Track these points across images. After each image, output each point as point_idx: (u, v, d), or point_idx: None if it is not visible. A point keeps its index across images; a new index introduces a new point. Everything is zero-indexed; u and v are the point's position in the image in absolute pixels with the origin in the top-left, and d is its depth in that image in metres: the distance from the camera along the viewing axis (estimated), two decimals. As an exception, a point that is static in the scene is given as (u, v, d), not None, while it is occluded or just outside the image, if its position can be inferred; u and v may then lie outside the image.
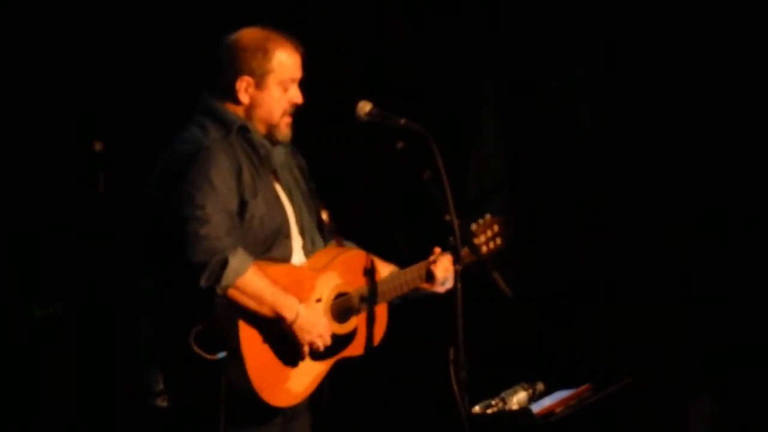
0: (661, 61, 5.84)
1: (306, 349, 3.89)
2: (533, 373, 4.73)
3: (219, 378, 3.76)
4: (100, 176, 5.73)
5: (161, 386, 3.89)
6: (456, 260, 3.84)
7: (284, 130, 4.03)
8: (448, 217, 3.83)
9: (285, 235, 3.98)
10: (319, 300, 3.97)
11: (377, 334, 4.09)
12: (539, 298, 5.88)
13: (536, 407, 4.53)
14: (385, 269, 4.18)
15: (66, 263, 5.65)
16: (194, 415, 3.85)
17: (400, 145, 3.96)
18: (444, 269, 4.17)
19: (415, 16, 6.14)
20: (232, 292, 3.77)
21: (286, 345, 3.87)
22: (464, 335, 3.74)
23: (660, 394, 5.62)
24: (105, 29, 5.66)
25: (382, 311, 4.11)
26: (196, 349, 3.73)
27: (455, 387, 3.73)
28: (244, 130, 3.96)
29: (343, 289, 4.02)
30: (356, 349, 4.04)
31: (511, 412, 4.53)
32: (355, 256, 4.09)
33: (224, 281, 3.74)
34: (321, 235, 4.14)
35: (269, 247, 3.93)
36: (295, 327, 3.84)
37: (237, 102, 3.99)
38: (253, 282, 3.79)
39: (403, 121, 3.96)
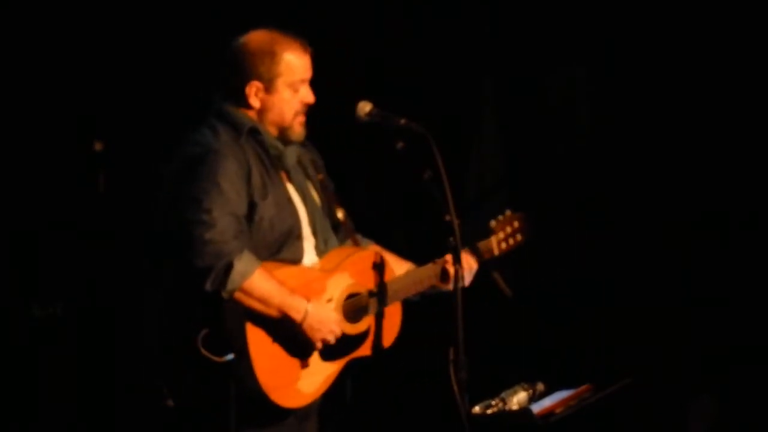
0: (661, 61, 5.84)
1: (319, 346, 3.88)
2: (533, 373, 4.73)
3: (228, 380, 3.77)
4: (100, 176, 5.73)
5: (170, 387, 3.89)
6: (456, 260, 3.84)
7: (298, 130, 4.04)
8: (448, 217, 3.83)
9: (296, 236, 3.98)
10: (329, 300, 3.97)
11: (390, 334, 4.09)
12: (539, 298, 5.88)
13: (536, 407, 4.52)
14: (401, 267, 4.17)
15: (66, 263, 5.65)
16: (204, 416, 3.85)
17: (400, 145, 3.96)
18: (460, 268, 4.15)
19: (415, 16, 6.14)
20: (239, 295, 3.77)
21: (296, 346, 3.87)
22: (464, 335, 3.74)
23: (660, 394, 5.62)
24: (105, 29, 5.65)
25: (395, 311, 4.10)
26: (203, 351, 3.74)
27: (455, 387, 3.73)
28: (254, 132, 3.97)
29: (355, 290, 4.01)
30: (369, 349, 4.04)
31: (511, 413, 4.53)
32: (367, 256, 4.08)
33: (229, 285, 3.74)
34: (336, 234, 4.14)
35: (280, 248, 3.93)
36: (305, 327, 3.84)
37: (248, 106, 4.00)
38: (259, 284, 3.78)
39: (403, 121, 3.96)
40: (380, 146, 4.16)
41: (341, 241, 4.15)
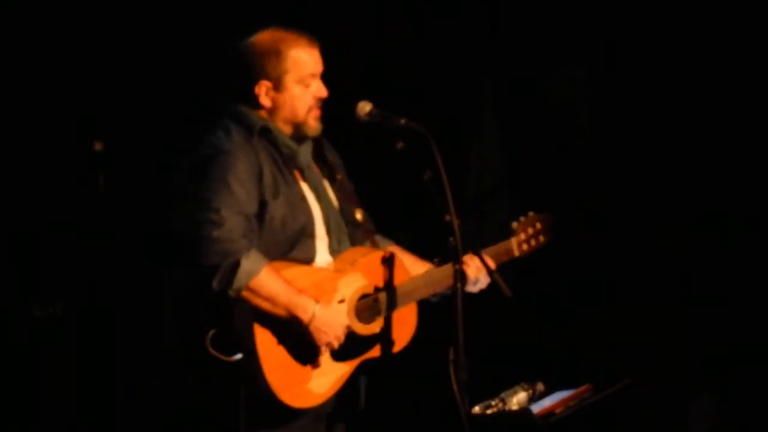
0: (661, 61, 5.84)
1: (323, 349, 3.88)
2: (533, 373, 4.73)
3: (237, 380, 3.77)
4: (100, 176, 5.73)
5: (179, 388, 3.90)
6: (456, 261, 3.83)
7: (313, 125, 4.04)
8: (448, 217, 3.82)
9: (309, 235, 3.98)
10: (342, 301, 3.96)
11: (405, 335, 4.07)
12: (539, 298, 5.87)
13: (536, 407, 4.52)
14: (420, 268, 4.15)
15: (66, 263, 5.65)
16: (213, 416, 3.86)
17: (400, 145, 3.96)
18: (476, 269, 4.14)
19: (415, 16, 6.13)
20: (246, 294, 3.77)
21: (305, 346, 3.87)
22: (464, 335, 3.74)
23: (660, 394, 5.62)
24: (105, 29, 5.65)
25: (410, 312, 4.08)
26: (212, 351, 3.75)
27: (455, 387, 3.73)
28: (266, 132, 3.97)
29: (368, 290, 4.00)
30: (382, 350, 4.02)
31: (511, 413, 4.52)
32: (382, 257, 4.06)
33: (236, 284, 3.75)
34: (353, 234, 4.13)
35: (291, 247, 3.94)
36: (312, 328, 3.84)
37: (260, 106, 4.01)
38: (266, 283, 3.79)
39: (403, 121, 3.96)
40: (380, 146, 4.16)
41: (359, 242, 4.13)
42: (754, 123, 5.70)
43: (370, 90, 4.13)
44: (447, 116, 6.09)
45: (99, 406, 5.62)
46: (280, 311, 3.81)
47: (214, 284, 3.74)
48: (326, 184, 4.12)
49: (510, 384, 4.64)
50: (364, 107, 4.03)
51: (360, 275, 4.00)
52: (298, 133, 4.04)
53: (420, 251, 4.27)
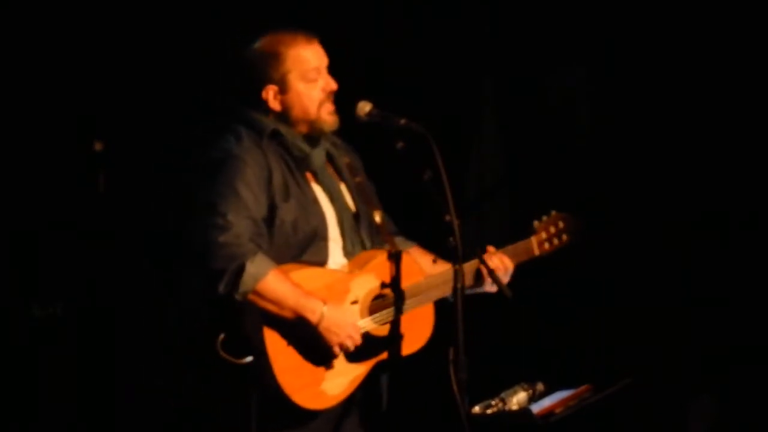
0: (661, 61, 5.84)
1: (336, 350, 3.87)
2: (533, 373, 4.73)
3: (248, 382, 3.77)
4: (100, 176, 5.72)
5: (186, 387, 3.91)
6: (456, 261, 3.82)
7: (328, 119, 4.04)
8: (448, 217, 3.82)
9: (321, 237, 3.97)
10: (355, 302, 3.95)
11: (421, 336, 4.05)
12: (539, 298, 5.87)
13: (536, 407, 4.52)
14: (436, 267, 4.12)
15: (66, 263, 5.65)
16: (225, 418, 3.86)
17: (400, 145, 3.95)
18: (494, 268, 4.12)
19: (415, 16, 6.13)
20: (252, 297, 3.77)
21: (317, 347, 3.85)
22: (464, 335, 3.74)
23: (660, 394, 5.62)
24: (105, 29, 5.65)
25: (426, 312, 4.06)
26: (222, 354, 3.75)
27: (455, 387, 3.72)
28: (276, 135, 3.98)
29: (381, 291, 3.99)
30: (398, 350, 3.99)
31: (511, 413, 4.52)
32: (387, 254, 4.02)
33: (242, 287, 3.75)
34: (371, 236, 4.11)
35: (303, 249, 3.93)
36: (321, 329, 3.82)
37: (271, 110, 4.02)
38: (273, 286, 3.78)
39: (403, 121, 3.95)
40: (380, 146, 4.16)
41: (378, 244, 4.11)
42: (754, 123, 5.70)
43: (370, 90, 4.13)
44: (447, 116, 6.09)
45: (99, 406, 5.62)
46: (287, 313, 3.80)
47: (221, 288, 3.75)
48: (342, 187, 4.11)
49: (510, 384, 4.64)
50: (364, 107, 4.03)
51: (373, 276, 3.99)
52: (315, 131, 4.04)
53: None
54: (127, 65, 5.69)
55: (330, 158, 4.12)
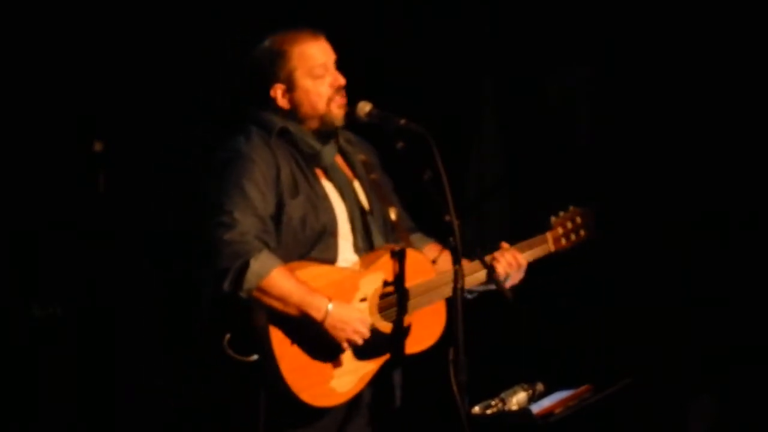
0: (662, 61, 5.84)
1: (345, 346, 3.86)
2: (533, 373, 4.72)
3: (256, 380, 3.78)
4: (100, 176, 5.73)
5: (200, 387, 3.92)
6: (455, 261, 3.82)
7: (338, 113, 4.03)
8: (448, 217, 3.82)
9: (330, 233, 3.97)
10: (363, 299, 3.94)
11: (431, 333, 4.03)
12: (539, 298, 5.87)
13: (536, 408, 4.52)
14: (448, 264, 4.11)
15: (66, 263, 5.65)
16: (234, 417, 3.86)
17: (400, 145, 3.95)
18: (507, 264, 4.10)
19: (415, 16, 6.14)
20: (257, 294, 3.78)
21: (323, 345, 3.84)
22: (464, 335, 3.73)
23: (660, 394, 5.62)
24: (105, 29, 5.65)
25: (438, 309, 4.03)
26: (229, 352, 3.75)
27: (455, 388, 3.72)
28: (285, 133, 3.98)
29: (390, 288, 3.98)
30: (408, 347, 3.98)
31: (511, 413, 4.52)
32: (408, 255, 4.00)
33: (246, 285, 3.75)
34: (386, 233, 4.10)
35: (312, 246, 3.93)
36: (327, 326, 3.81)
37: (280, 109, 4.03)
38: (277, 283, 3.78)
39: (403, 121, 3.95)
40: (380, 146, 4.17)
41: (393, 241, 4.09)
42: (754, 123, 5.70)
43: (370, 90, 4.13)
44: (447, 116, 6.09)
45: (99, 406, 5.62)
46: (292, 311, 3.80)
47: (225, 286, 3.75)
48: (356, 184, 4.11)
49: (510, 384, 4.64)
50: (364, 107, 4.03)
51: (381, 273, 3.97)
52: (326, 126, 4.03)
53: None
54: (127, 65, 5.69)
55: (344, 155, 4.12)
